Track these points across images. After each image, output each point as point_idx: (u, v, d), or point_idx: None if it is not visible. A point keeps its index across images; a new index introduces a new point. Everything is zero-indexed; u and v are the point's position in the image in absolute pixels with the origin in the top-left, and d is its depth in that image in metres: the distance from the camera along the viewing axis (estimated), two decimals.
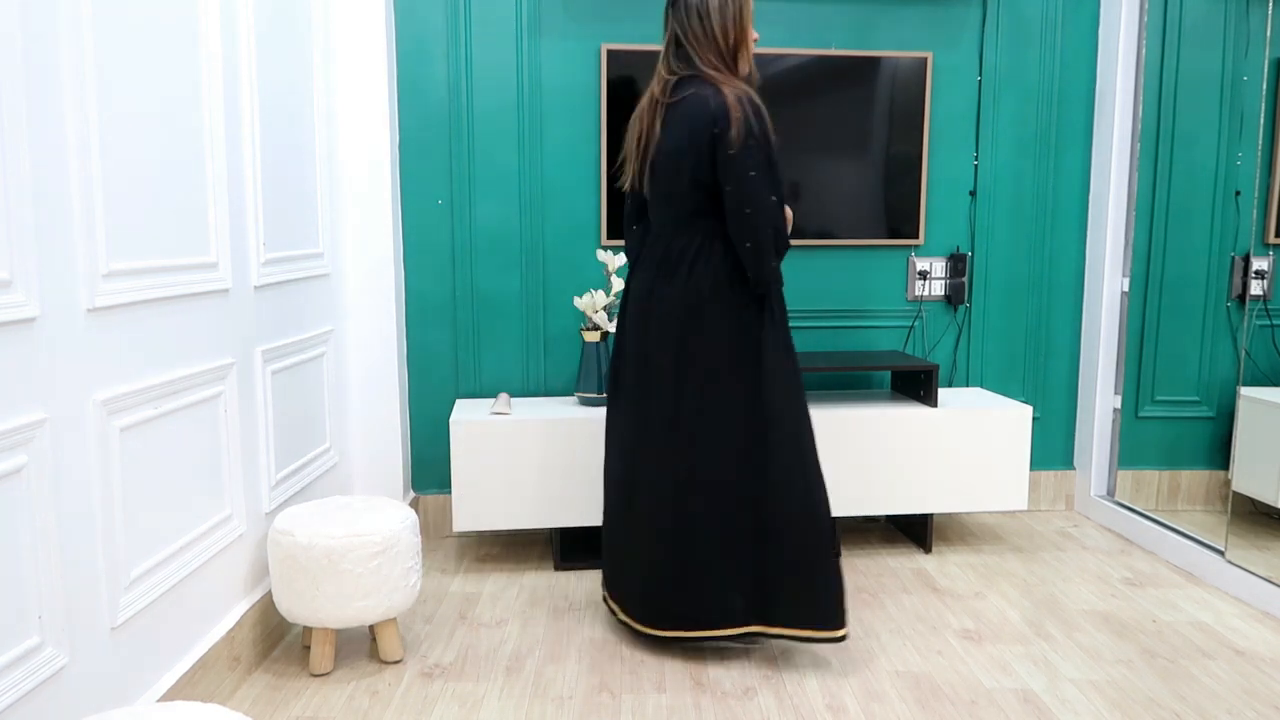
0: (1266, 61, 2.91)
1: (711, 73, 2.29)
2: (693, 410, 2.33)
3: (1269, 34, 2.88)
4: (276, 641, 2.52)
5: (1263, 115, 2.93)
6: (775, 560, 2.32)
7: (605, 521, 2.58)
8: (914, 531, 3.31)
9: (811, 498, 2.32)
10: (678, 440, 2.35)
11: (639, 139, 2.41)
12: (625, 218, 2.58)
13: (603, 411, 3.07)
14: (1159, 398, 3.41)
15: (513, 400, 3.28)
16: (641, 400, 2.41)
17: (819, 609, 2.32)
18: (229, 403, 2.26)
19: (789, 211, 2.35)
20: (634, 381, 2.43)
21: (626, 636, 2.57)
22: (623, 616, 2.52)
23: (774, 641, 2.53)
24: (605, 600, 2.63)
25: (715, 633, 2.38)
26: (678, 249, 2.36)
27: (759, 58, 3.20)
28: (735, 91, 2.24)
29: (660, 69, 2.38)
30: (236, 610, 2.31)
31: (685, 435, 2.34)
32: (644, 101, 2.42)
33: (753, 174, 2.22)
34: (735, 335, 2.32)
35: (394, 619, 2.41)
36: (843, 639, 2.33)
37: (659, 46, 3.19)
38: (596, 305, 3.09)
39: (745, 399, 2.32)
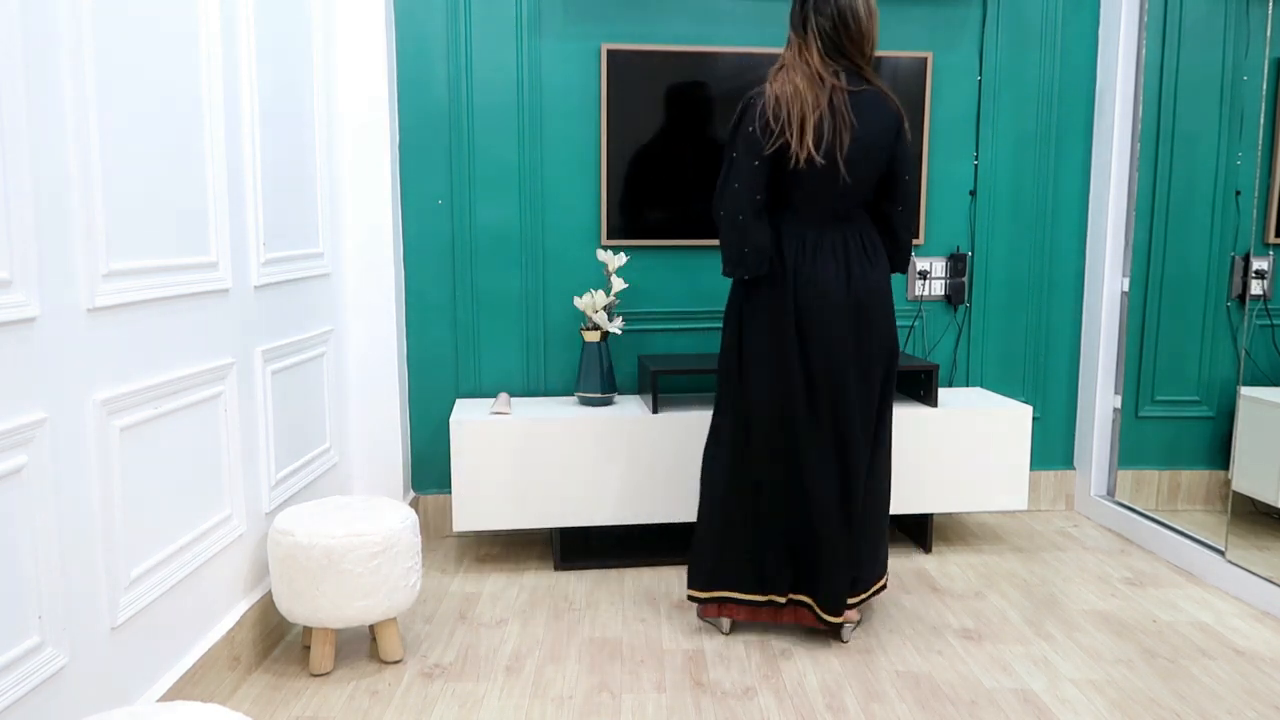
0: (1266, 61, 2.91)
1: (869, 70, 2.43)
2: (880, 394, 2.51)
3: (1269, 34, 2.88)
4: (276, 641, 2.52)
5: (1263, 115, 2.93)
6: (882, 534, 2.59)
7: (768, 521, 2.49)
8: (914, 531, 3.31)
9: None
10: (869, 425, 2.49)
11: (816, 119, 2.33)
12: (756, 212, 2.38)
13: (603, 411, 3.07)
14: (1159, 397, 3.41)
15: (513, 400, 3.28)
16: (849, 384, 2.44)
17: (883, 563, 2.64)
18: (229, 403, 2.26)
19: None
20: (834, 365, 2.42)
21: (638, 637, 2.58)
22: (818, 612, 2.48)
23: (776, 640, 2.53)
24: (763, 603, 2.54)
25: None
26: (856, 236, 2.47)
27: (760, 58, 3.20)
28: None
29: (812, 58, 2.36)
30: (236, 610, 2.31)
31: (872, 419, 2.50)
32: (804, 82, 2.34)
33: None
34: (893, 320, 2.56)
35: (394, 619, 2.41)
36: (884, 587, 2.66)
37: (659, 46, 3.24)
38: (596, 305, 3.09)
39: (891, 379, 2.57)
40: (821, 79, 2.35)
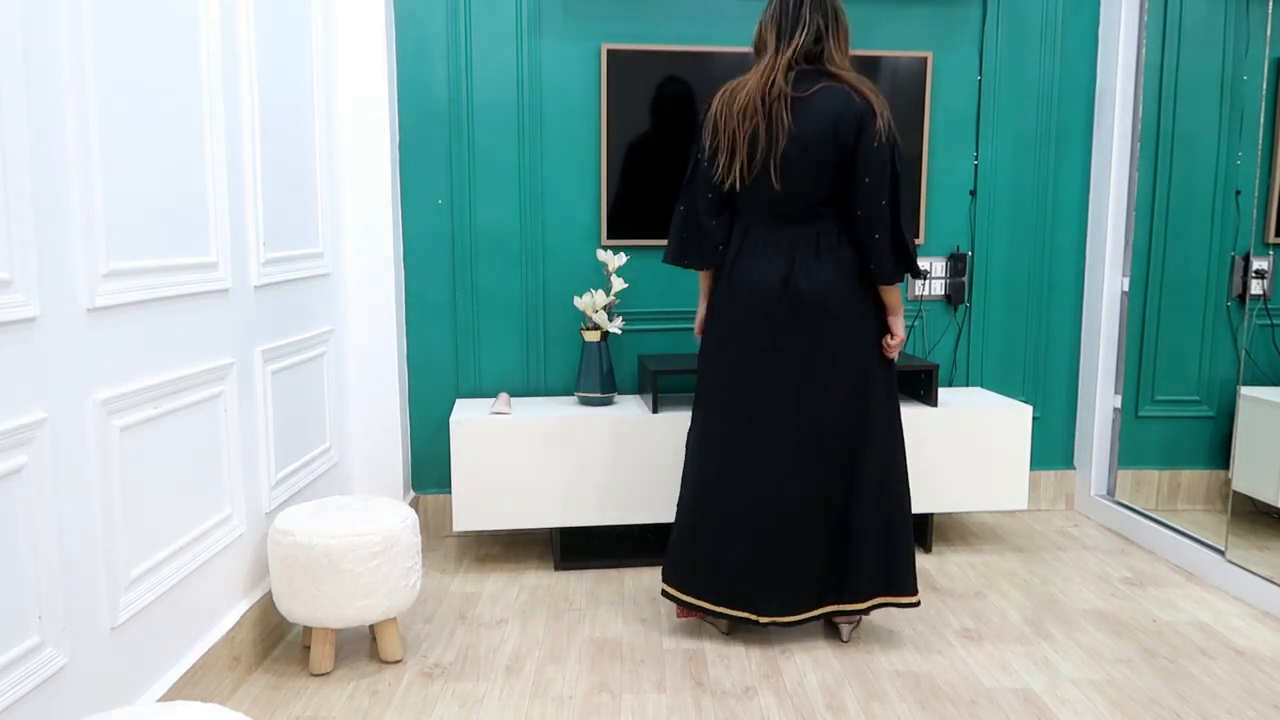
0: (1266, 61, 2.91)
1: (840, 70, 2.38)
2: (849, 395, 2.42)
3: (1269, 34, 2.88)
4: (276, 641, 2.52)
5: (1263, 115, 2.93)
6: (888, 537, 2.49)
7: (727, 527, 2.46)
8: (914, 531, 3.30)
9: (906, 480, 2.56)
10: (840, 426, 2.43)
11: (748, 133, 2.35)
12: (709, 210, 2.45)
13: (603, 411, 3.07)
14: (1159, 397, 3.41)
15: (513, 400, 3.28)
16: (787, 387, 2.41)
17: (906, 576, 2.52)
18: (229, 402, 2.26)
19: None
20: (768, 370, 2.41)
21: (638, 637, 2.58)
22: (755, 617, 2.45)
23: (776, 640, 2.53)
24: (704, 610, 2.52)
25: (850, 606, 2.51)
26: (808, 238, 2.40)
27: None
28: (873, 89, 2.37)
29: (781, 61, 2.35)
30: (236, 610, 2.31)
31: (846, 421, 2.43)
32: (749, 97, 2.34)
33: (891, 169, 2.35)
34: (872, 323, 2.45)
35: (394, 619, 2.41)
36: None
37: (659, 46, 3.24)
38: (596, 305, 3.09)
39: (886, 383, 2.48)
40: (770, 89, 2.34)
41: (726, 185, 2.41)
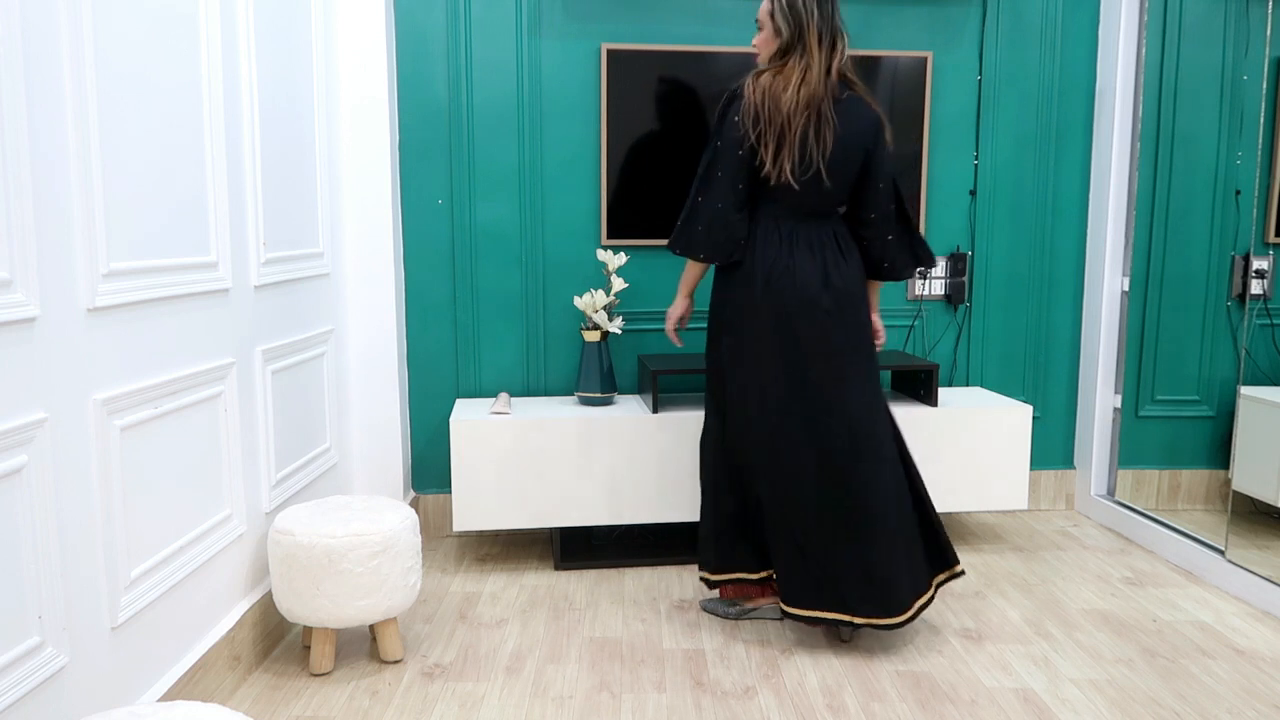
0: (1266, 60, 2.91)
1: (855, 81, 2.46)
2: (874, 387, 2.50)
3: (1269, 33, 2.88)
4: (276, 641, 2.52)
5: (1263, 115, 2.93)
6: (929, 518, 2.58)
7: (797, 528, 2.44)
8: None
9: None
10: (881, 415, 2.49)
11: (800, 128, 2.35)
12: (737, 204, 2.43)
13: (603, 411, 3.07)
14: (1159, 397, 3.41)
15: (513, 400, 3.28)
16: (839, 382, 2.43)
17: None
18: (229, 403, 2.26)
19: None
20: (824, 364, 2.42)
21: (639, 637, 2.58)
22: (847, 617, 2.42)
23: (776, 640, 2.53)
24: (791, 616, 2.47)
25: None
26: (832, 234, 2.47)
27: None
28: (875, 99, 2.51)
29: (818, 64, 2.37)
30: (236, 610, 2.31)
31: (883, 410, 2.50)
32: (797, 93, 2.35)
33: (894, 173, 2.52)
34: (864, 321, 2.54)
35: (394, 619, 2.41)
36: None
37: (659, 46, 3.24)
38: (596, 305, 3.09)
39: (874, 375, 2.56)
40: (818, 89, 2.36)
41: (774, 180, 2.38)
